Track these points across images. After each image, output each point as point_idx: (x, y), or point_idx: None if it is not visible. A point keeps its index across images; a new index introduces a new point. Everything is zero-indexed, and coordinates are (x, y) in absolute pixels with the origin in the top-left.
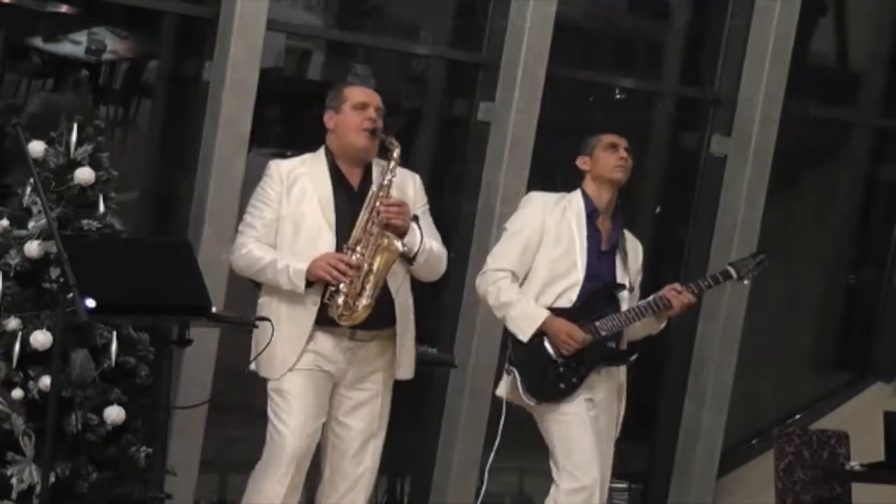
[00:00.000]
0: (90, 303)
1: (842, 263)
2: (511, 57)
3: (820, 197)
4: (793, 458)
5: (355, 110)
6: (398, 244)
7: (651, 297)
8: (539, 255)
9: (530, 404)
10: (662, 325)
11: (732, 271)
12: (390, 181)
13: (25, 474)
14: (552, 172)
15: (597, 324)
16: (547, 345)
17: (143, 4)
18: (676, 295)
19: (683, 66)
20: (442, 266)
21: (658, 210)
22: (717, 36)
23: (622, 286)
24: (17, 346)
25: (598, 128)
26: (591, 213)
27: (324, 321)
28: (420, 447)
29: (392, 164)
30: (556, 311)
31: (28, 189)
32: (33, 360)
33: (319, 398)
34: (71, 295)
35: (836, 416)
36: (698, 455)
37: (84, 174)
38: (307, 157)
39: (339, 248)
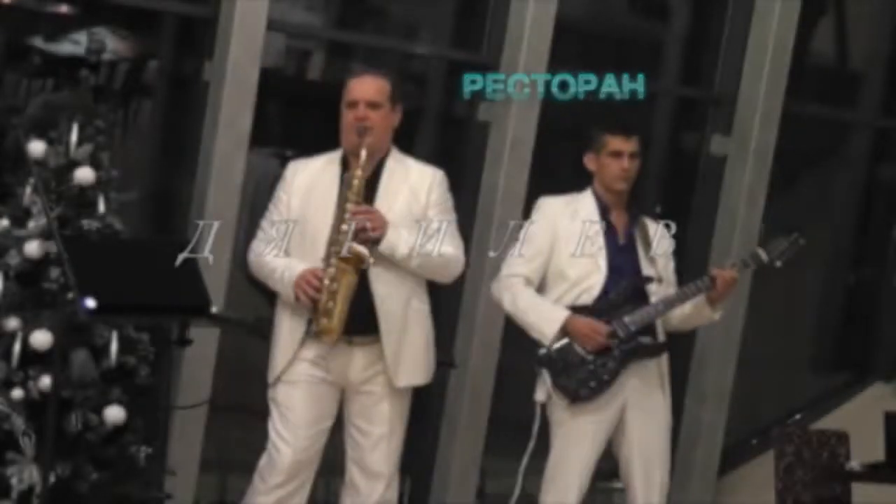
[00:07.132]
0: (90, 303)
1: (842, 263)
2: (511, 57)
3: (820, 197)
4: (793, 458)
5: (347, 108)
6: (366, 257)
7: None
8: (556, 258)
9: (562, 404)
10: (717, 315)
11: (763, 254)
12: (358, 185)
13: (25, 474)
14: (554, 173)
15: (626, 319)
16: (575, 345)
17: (143, 4)
18: (720, 272)
19: (683, 66)
20: (447, 271)
21: (658, 210)
22: (717, 36)
23: (649, 279)
24: (17, 346)
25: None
26: (604, 210)
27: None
28: (420, 447)
29: (358, 170)
30: (578, 310)
31: (28, 189)
32: (33, 360)
33: (318, 406)
34: (71, 295)
35: (836, 416)
36: (698, 455)
37: (84, 174)
38: (325, 157)
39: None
